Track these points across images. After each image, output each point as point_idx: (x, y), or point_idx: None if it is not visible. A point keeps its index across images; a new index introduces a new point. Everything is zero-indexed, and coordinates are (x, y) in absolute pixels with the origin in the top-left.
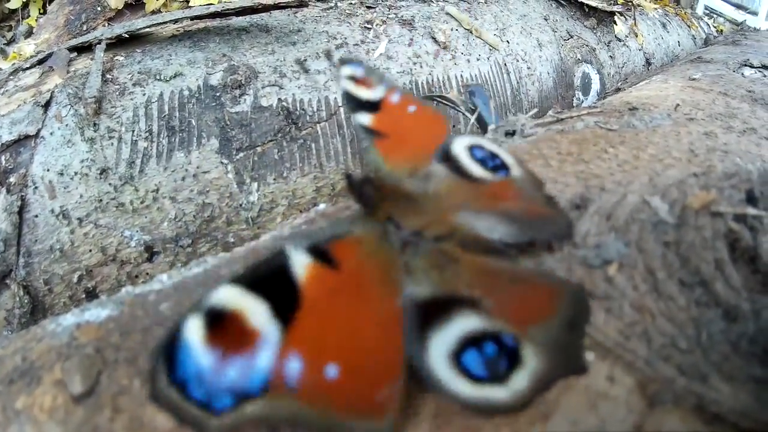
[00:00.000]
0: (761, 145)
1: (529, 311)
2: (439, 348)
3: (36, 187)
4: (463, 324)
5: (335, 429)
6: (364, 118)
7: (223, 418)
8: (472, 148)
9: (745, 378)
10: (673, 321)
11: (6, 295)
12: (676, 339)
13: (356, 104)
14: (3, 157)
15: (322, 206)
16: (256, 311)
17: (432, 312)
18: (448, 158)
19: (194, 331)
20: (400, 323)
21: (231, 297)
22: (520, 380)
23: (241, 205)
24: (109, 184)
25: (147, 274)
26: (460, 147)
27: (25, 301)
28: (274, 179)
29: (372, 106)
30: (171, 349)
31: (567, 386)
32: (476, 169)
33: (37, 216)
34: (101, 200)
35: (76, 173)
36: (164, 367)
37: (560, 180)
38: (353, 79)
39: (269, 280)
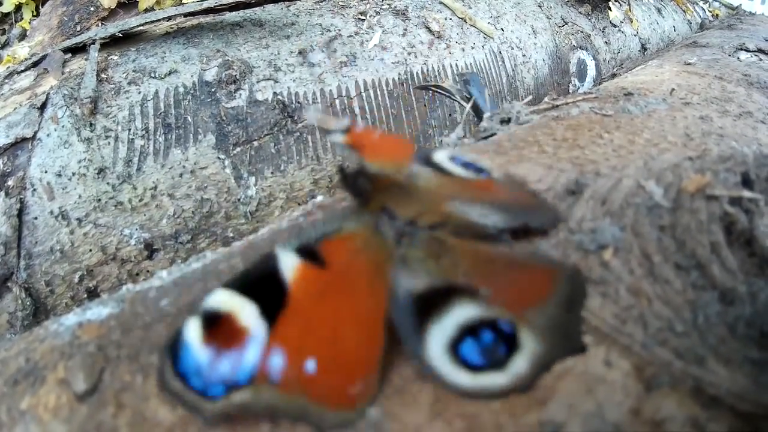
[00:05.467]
0: (757, 128)
1: (527, 295)
2: (438, 341)
3: (34, 189)
4: (460, 313)
5: (308, 417)
6: (338, 137)
7: (215, 404)
8: (452, 159)
9: (742, 360)
10: (670, 304)
11: (8, 297)
12: (673, 322)
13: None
14: (0, 161)
15: (320, 198)
16: (245, 312)
17: (429, 304)
18: (429, 163)
19: (193, 331)
20: (382, 318)
21: (223, 300)
22: (519, 364)
23: (239, 199)
24: (107, 183)
25: (147, 271)
26: (440, 156)
27: (28, 303)
28: (272, 173)
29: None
30: (175, 347)
31: (564, 371)
32: (459, 170)
33: (36, 218)
34: (100, 200)
35: (74, 174)
36: (170, 361)
37: (555, 166)
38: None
39: (260, 282)
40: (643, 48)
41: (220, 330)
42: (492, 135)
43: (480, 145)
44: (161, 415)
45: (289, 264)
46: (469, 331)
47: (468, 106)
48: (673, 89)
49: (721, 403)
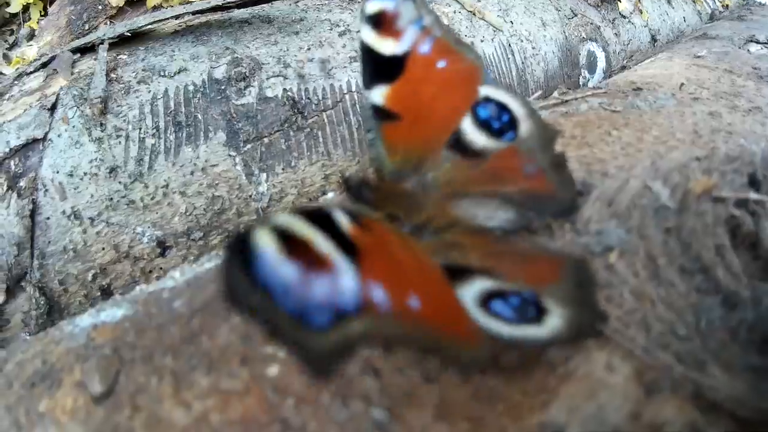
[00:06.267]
0: (766, 124)
1: (539, 278)
2: (468, 297)
3: (46, 190)
4: (482, 284)
5: (443, 350)
6: (378, 95)
7: (327, 336)
8: (477, 108)
9: (742, 366)
10: (673, 308)
11: (22, 297)
12: (675, 326)
13: (375, 66)
14: (12, 162)
15: (330, 194)
16: (324, 241)
17: (453, 272)
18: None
19: (266, 239)
20: (444, 278)
21: (296, 224)
22: (555, 321)
23: (250, 196)
24: (119, 182)
25: (160, 268)
26: (467, 123)
27: (41, 302)
28: (283, 169)
29: (393, 68)
30: (242, 255)
31: (566, 374)
32: (481, 140)
33: (49, 218)
34: (112, 199)
35: (85, 173)
36: (241, 269)
37: None
38: (378, 22)
39: (320, 223)
40: (653, 39)
41: (298, 251)
42: None
43: None
44: (176, 417)
45: (341, 218)
46: (496, 295)
47: None
48: (682, 84)
49: (720, 409)
